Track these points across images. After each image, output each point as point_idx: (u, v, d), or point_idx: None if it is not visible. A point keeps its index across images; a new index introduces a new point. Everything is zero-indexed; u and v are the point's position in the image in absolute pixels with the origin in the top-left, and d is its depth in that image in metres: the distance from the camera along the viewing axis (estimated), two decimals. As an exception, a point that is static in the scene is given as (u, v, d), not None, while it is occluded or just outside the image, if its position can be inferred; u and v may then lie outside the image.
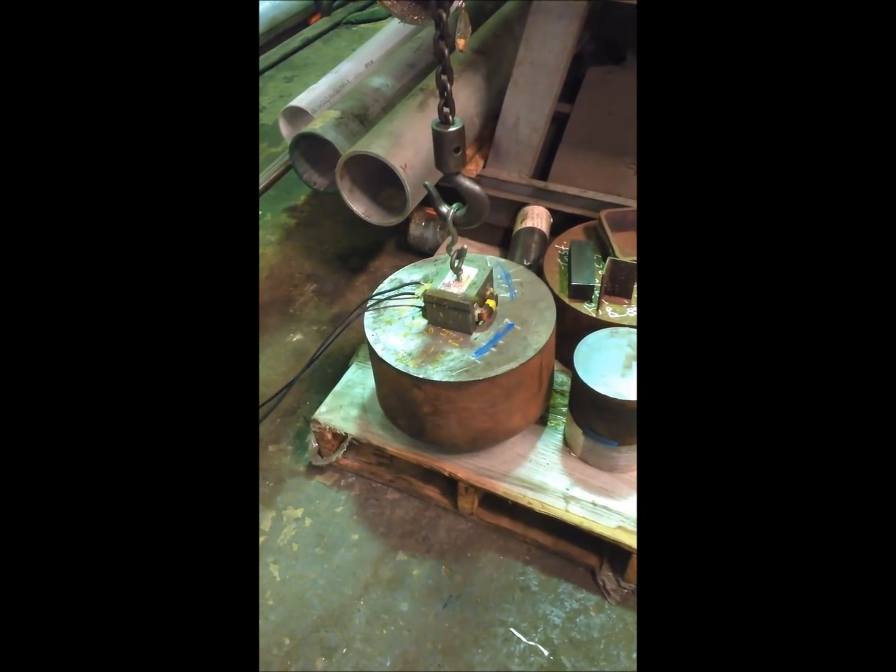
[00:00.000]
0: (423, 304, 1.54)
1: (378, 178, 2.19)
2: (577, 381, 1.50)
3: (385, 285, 1.65)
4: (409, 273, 1.68)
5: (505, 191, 2.43)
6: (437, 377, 1.42)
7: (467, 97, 2.32)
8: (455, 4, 1.56)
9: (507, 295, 1.58)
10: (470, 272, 1.51)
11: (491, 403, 1.48)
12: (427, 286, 1.52)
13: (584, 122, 2.59)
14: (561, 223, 2.32)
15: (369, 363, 1.85)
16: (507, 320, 1.52)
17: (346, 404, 1.84)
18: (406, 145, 2.05)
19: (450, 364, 1.44)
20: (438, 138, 1.28)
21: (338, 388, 1.89)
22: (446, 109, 1.25)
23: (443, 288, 1.49)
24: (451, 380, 1.41)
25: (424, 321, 1.54)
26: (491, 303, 1.51)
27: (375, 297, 1.61)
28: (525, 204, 2.40)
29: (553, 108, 2.30)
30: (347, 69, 2.67)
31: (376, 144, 2.02)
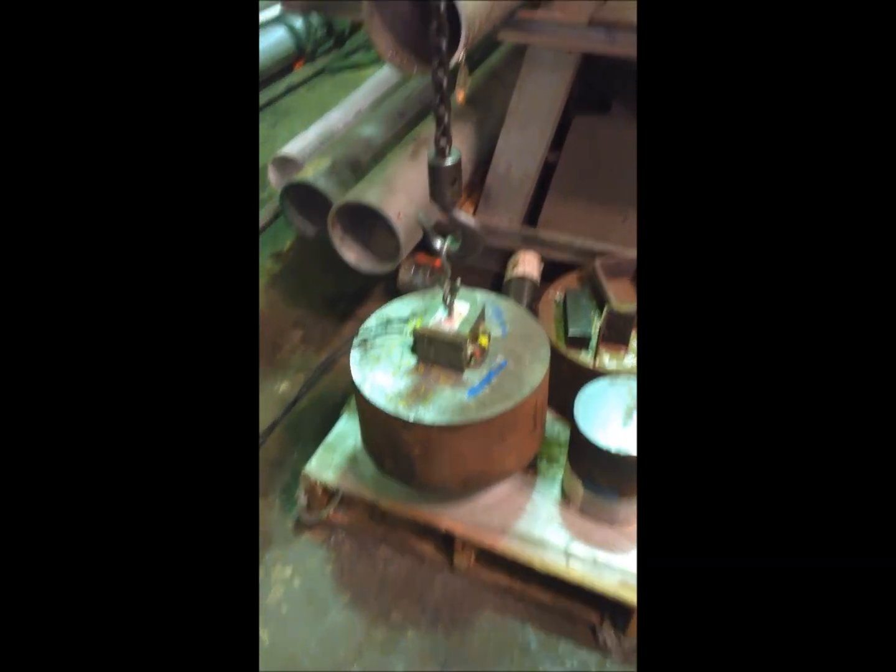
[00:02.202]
0: (412, 341, 1.48)
1: (367, 223, 2.17)
2: (576, 433, 1.47)
3: (372, 321, 1.57)
4: (396, 308, 1.61)
5: (496, 236, 2.42)
6: (428, 418, 1.34)
7: (457, 146, 2.32)
8: (455, 58, 1.57)
9: (499, 331, 1.52)
10: (461, 308, 1.45)
11: (485, 445, 1.41)
12: (416, 322, 1.46)
13: (572, 170, 2.60)
14: (551, 268, 2.31)
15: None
16: (500, 357, 1.45)
17: (338, 457, 1.77)
18: (399, 193, 2.04)
19: (441, 404, 1.37)
20: (436, 171, 1.23)
21: (329, 439, 1.82)
22: (443, 141, 1.20)
23: (434, 324, 1.42)
24: (444, 422, 1.34)
25: (414, 359, 1.47)
26: (483, 340, 1.45)
27: (362, 335, 1.54)
28: (515, 250, 2.40)
29: (545, 155, 2.32)
30: (336, 117, 2.69)
31: (370, 193, 2.01)
